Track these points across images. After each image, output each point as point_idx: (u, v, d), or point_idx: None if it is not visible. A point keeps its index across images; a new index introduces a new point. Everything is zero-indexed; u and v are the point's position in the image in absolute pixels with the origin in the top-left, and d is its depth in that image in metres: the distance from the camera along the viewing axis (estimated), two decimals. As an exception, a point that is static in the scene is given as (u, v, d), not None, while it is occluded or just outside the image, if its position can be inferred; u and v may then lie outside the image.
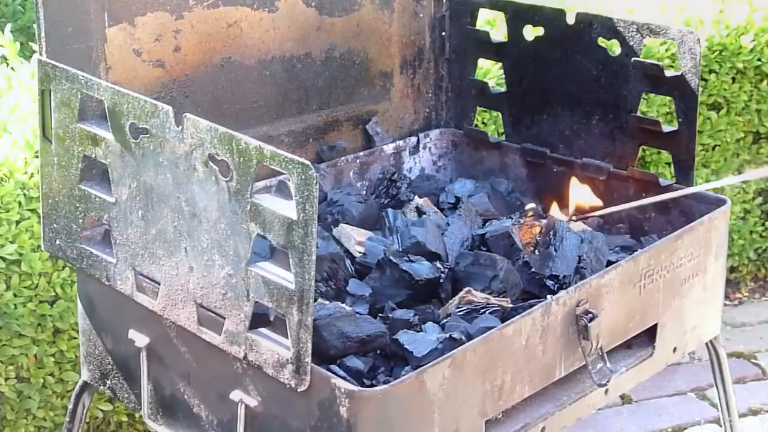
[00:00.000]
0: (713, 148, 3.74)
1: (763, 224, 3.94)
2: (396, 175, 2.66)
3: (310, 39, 2.55)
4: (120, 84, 2.02)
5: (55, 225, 2.19)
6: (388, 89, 2.76)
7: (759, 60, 3.68)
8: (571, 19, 2.53)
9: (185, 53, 2.34)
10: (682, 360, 3.46)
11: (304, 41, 2.54)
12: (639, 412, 3.36)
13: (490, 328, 1.97)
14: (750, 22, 3.67)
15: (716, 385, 2.54)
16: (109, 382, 2.24)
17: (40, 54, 2.13)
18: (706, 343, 2.48)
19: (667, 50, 3.45)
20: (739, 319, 3.88)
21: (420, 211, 2.51)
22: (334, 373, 1.86)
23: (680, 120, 2.41)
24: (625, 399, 3.40)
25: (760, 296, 4.04)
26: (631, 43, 2.45)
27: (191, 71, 2.35)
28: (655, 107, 3.46)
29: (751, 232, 3.92)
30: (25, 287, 2.64)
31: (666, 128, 2.44)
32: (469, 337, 1.97)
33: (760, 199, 3.90)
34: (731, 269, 3.98)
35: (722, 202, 2.38)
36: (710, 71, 3.64)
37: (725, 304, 3.95)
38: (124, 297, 2.09)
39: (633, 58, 2.45)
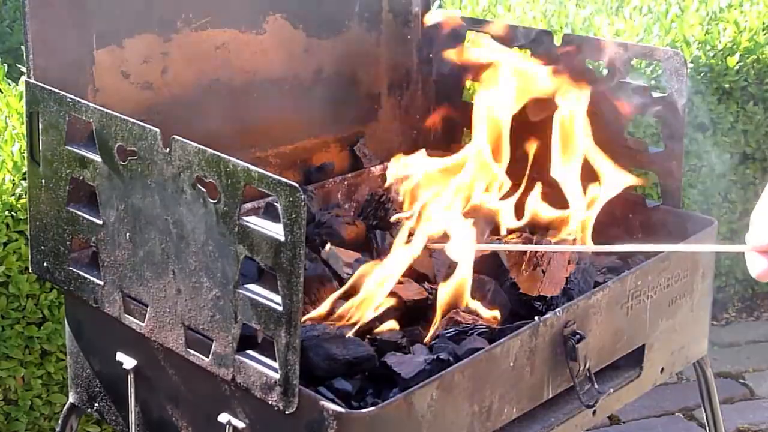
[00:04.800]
0: (700, 169, 3.75)
1: (749, 244, 3.94)
2: (384, 197, 2.66)
3: (298, 61, 2.56)
4: (108, 106, 2.02)
5: (42, 247, 2.18)
6: (375, 111, 2.76)
7: (745, 81, 3.70)
8: (557, 41, 2.54)
9: (173, 75, 2.34)
10: (670, 380, 3.46)
11: (291, 63, 2.55)
12: (627, 433, 3.38)
13: (477, 350, 1.97)
14: (736, 43, 3.69)
15: (703, 406, 2.55)
16: (96, 404, 2.23)
17: (28, 76, 2.13)
18: (694, 364, 2.49)
19: (653, 71, 3.46)
20: (727, 339, 3.89)
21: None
22: (323, 395, 1.86)
23: (666, 141, 2.42)
24: (614, 419, 3.40)
25: (747, 316, 4.05)
26: (617, 65, 2.46)
27: (179, 93, 2.36)
28: (642, 128, 3.47)
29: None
30: (12, 309, 2.63)
31: (652, 149, 2.45)
32: (457, 359, 1.97)
33: (746, 219, 3.90)
34: (718, 289, 3.99)
35: (709, 223, 2.39)
36: (696, 92, 3.65)
37: (713, 324, 3.95)
38: (112, 319, 2.09)
39: (619, 80, 2.46)
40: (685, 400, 3.49)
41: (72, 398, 2.29)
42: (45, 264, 2.19)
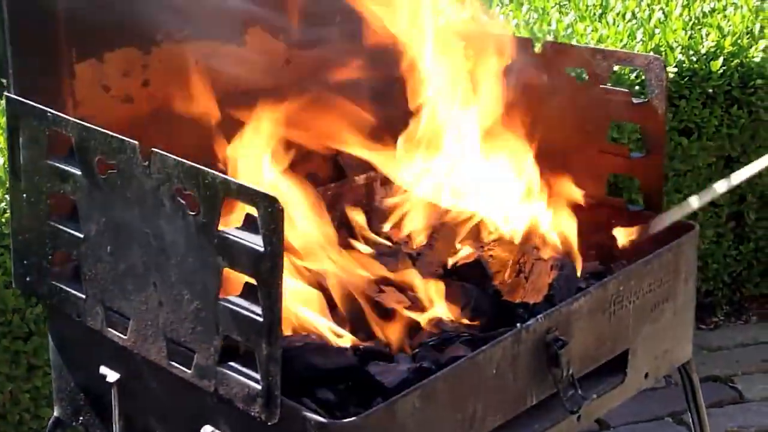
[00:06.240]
0: (685, 174, 3.76)
1: (736, 248, 3.96)
2: (367, 207, 2.66)
3: (280, 72, 2.56)
4: (89, 120, 2.02)
5: (25, 261, 2.18)
6: (358, 120, 2.76)
7: (729, 85, 3.71)
8: (538, 48, 2.55)
9: (154, 88, 2.34)
10: (659, 385, 3.47)
11: (273, 74, 2.54)
12: (616, 438, 3.38)
13: (460, 357, 1.97)
14: (719, 47, 3.70)
15: (689, 410, 2.55)
16: (81, 417, 2.23)
17: (9, 91, 2.13)
18: (679, 368, 2.49)
19: (637, 77, 3.48)
20: (715, 343, 3.89)
21: (391, 241, 2.52)
22: (305, 406, 1.86)
23: (648, 147, 2.43)
24: (603, 425, 3.40)
25: (735, 320, 4.05)
26: (598, 71, 2.46)
27: (161, 106, 2.35)
28: (627, 133, 3.48)
29: (725, 256, 3.94)
30: (-2, 324, 2.64)
31: (634, 155, 2.46)
32: (440, 367, 1.97)
33: (732, 223, 3.92)
34: (707, 293, 3.99)
35: (690, 228, 2.40)
36: (680, 97, 3.66)
37: (701, 329, 3.97)
38: (95, 333, 2.09)
39: (601, 86, 2.46)
40: (674, 405, 3.49)
41: (57, 412, 2.29)
42: (28, 278, 2.19)
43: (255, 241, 1.75)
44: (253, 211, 1.74)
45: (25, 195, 2.13)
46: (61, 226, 2.09)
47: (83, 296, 2.09)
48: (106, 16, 2.24)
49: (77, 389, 2.22)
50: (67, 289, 2.12)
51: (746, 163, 3.80)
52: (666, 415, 3.47)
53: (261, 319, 1.76)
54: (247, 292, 1.81)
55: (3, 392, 2.72)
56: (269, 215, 1.70)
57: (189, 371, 1.91)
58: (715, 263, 3.93)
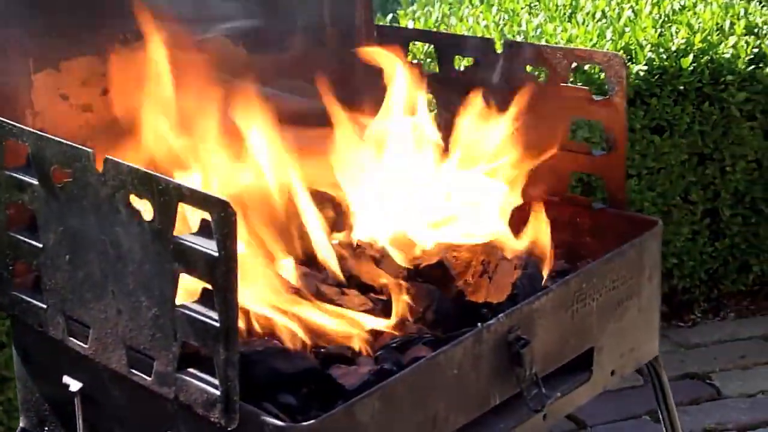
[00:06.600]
0: (658, 171, 3.76)
1: (712, 245, 3.96)
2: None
3: (240, 78, 2.55)
4: (48, 129, 2.03)
5: (-14, 273, 2.18)
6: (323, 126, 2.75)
7: (700, 82, 3.71)
8: (499, 48, 2.55)
9: (113, 96, 2.34)
10: (637, 383, 3.46)
11: (234, 80, 2.54)
12: (594, 437, 3.37)
13: (421, 358, 1.97)
14: (689, 44, 3.70)
15: (659, 407, 2.55)
16: (46, 427, 2.23)
17: (-35, 103, 2.13)
18: (646, 365, 2.49)
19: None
20: (693, 340, 3.89)
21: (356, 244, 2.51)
22: (266, 410, 1.86)
23: (610, 144, 2.43)
24: (580, 424, 3.40)
25: (713, 317, 4.05)
26: (558, 69, 2.47)
27: (120, 114, 2.35)
28: (598, 132, 3.47)
29: (701, 253, 3.94)
30: (-32, 337, 2.63)
31: (595, 152, 2.46)
32: (401, 368, 1.97)
33: (708, 220, 3.92)
34: (683, 291, 4.00)
35: (653, 224, 2.40)
36: (651, 95, 3.66)
37: (679, 326, 3.97)
38: (57, 342, 2.08)
39: (561, 84, 2.47)
40: (653, 403, 3.45)
41: (23, 423, 2.29)
42: (-11, 289, 2.19)
43: (210, 246, 1.75)
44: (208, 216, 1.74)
45: (-16, 206, 2.12)
46: (20, 236, 2.09)
47: (44, 306, 2.08)
48: (62, 26, 2.25)
49: (42, 399, 2.22)
50: (28, 299, 2.12)
51: (719, 160, 3.83)
52: (644, 413, 3.46)
53: (218, 325, 1.76)
54: (204, 297, 1.81)
55: (-26, 405, 2.72)
56: (221, 219, 1.70)
57: (149, 378, 1.91)
58: (692, 260, 3.93)
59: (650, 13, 3.91)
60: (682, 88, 3.69)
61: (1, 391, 2.77)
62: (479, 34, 2.88)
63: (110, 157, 1.86)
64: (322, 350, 2.07)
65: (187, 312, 1.81)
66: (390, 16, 4.10)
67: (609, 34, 3.69)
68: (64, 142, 1.93)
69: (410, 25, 3.79)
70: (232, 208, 1.69)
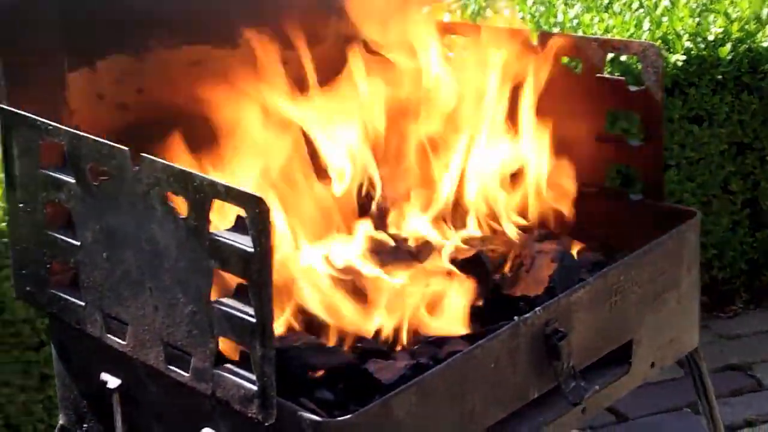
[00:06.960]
0: (698, 162, 3.73)
1: (752, 235, 3.93)
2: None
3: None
4: (84, 128, 2.03)
5: (24, 271, 2.19)
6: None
7: (738, 71, 3.68)
8: (533, 39, 2.54)
9: (148, 94, 2.35)
10: (677, 375, 3.44)
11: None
12: (635, 430, 3.35)
13: (458, 352, 1.97)
14: (727, 33, 3.67)
15: (699, 399, 2.53)
16: (85, 425, 2.24)
17: (1, 102, 2.14)
18: (686, 357, 2.47)
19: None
20: (734, 330, 3.87)
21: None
22: (303, 406, 1.86)
23: (646, 134, 2.41)
24: (620, 417, 3.39)
25: (754, 307, 4.02)
26: (594, 60, 2.45)
27: (156, 112, 2.36)
28: (637, 123, 3.45)
29: (741, 243, 3.91)
30: (8, 335, 2.64)
31: (632, 142, 2.44)
32: (438, 362, 1.96)
33: (748, 210, 3.89)
34: (724, 281, 3.96)
35: (692, 215, 2.38)
36: (690, 84, 3.64)
37: (720, 317, 3.94)
38: (95, 339, 2.09)
39: (597, 75, 2.45)
40: (693, 395, 3.45)
41: (62, 420, 2.30)
42: (28, 288, 2.20)
43: (245, 242, 1.75)
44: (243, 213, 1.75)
45: (21, 205, 2.13)
46: (57, 235, 2.10)
47: (82, 304, 2.09)
48: (98, 25, 2.25)
49: (80, 396, 2.23)
50: (66, 297, 2.13)
51: (759, 149, 3.80)
52: (684, 405, 3.44)
53: (253, 320, 1.76)
54: (239, 293, 1.81)
55: (15, 403, 2.73)
56: (257, 215, 1.70)
57: (187, 375, 1.92)
58: (732, 251, 3.90)
59: (687, 2, 3.88)
60: (720, 77, 3.66)
61: (41, 389, 2.78)
62: (515, 27, 2.85)
63: (145, 155, 1.86)
64: (359, 345, 2.07)
65: (223, 308, 1.82)
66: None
67: (646, 24, 3.67)
68: (100, 140, 1.93)
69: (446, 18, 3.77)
70: (266, 204, 1.69)
